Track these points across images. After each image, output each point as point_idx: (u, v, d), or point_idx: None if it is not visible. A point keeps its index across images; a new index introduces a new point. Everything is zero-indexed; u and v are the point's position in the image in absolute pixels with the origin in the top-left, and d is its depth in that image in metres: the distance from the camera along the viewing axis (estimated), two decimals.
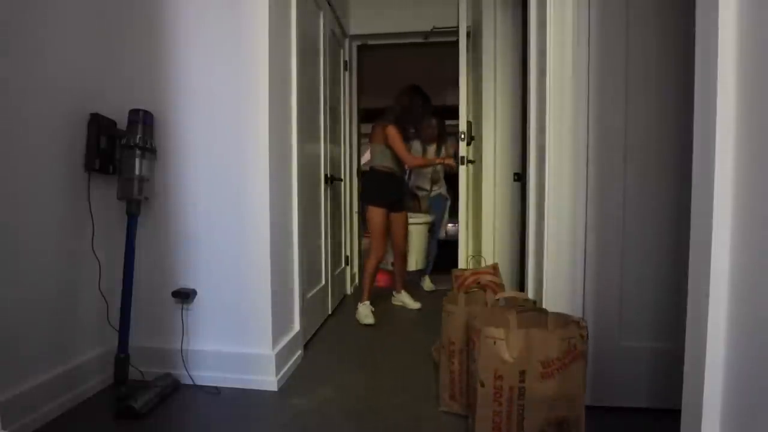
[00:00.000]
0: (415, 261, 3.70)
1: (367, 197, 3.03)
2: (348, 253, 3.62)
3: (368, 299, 2.91)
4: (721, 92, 0.81)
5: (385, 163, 2.94)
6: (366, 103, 3.99)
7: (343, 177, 3.46)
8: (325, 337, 2.58)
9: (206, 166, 1.88)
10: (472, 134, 2.81)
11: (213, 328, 1.90)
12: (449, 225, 4.36)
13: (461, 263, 2.76)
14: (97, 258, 1.78)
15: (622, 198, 1.61)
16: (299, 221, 2.19)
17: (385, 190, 2.97)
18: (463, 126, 2.68)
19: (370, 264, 2.95)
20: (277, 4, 1.93)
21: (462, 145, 2.68)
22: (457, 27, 2.81)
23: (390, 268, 3.40)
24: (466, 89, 2.76)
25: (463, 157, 2.68)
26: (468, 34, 3.28)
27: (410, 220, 3.39)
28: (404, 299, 3.23)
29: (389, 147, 2.89)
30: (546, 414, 1.30)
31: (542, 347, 1.29)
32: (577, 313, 1.58)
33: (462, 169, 2.70)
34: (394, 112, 2.92)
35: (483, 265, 2.61)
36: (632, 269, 1.62)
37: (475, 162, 3.00)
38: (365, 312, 2.85)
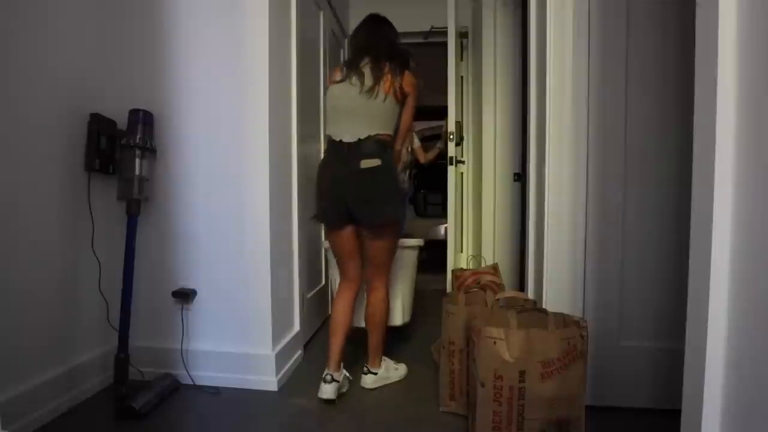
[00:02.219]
0: (401, 311, 2.28)
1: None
2: None
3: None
4: (721, 92, 0.82)
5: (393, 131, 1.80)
6: None
7: None
8: (325, 337, 2.57)
9: (206, 166, 1.87)
10: (461, 135, 2.80)
11: (213, 328, 1.90)
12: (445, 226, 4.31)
13: (450, 264, 2.64)
14: (97, 258, 1.78)
15: (622, 198, 1.62)
16: (299, 221, 2.19)
17: None
18: (451, 126, 2.67)
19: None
20: (277, 4, 1.93)
21: (450, 146, 2.67)
22: (454, 26, 2.80)
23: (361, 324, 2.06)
24: (455, 89, 2.75)
25: (451, 158, 2.67)
26: (467, 35, 3.30)
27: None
28: (389, 373, 1.95)
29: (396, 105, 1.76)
30: (546, 414, 1.30)
31: (542, 347, 1.29)
32: (577, 313, 1.58)
33: (450, 170, 2.69)
34: (401, 53, 1.87)
35: (483, 265, 2.61)
36: (632, 269, 1.62)
37: (464, 162, 3.00)
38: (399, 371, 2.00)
